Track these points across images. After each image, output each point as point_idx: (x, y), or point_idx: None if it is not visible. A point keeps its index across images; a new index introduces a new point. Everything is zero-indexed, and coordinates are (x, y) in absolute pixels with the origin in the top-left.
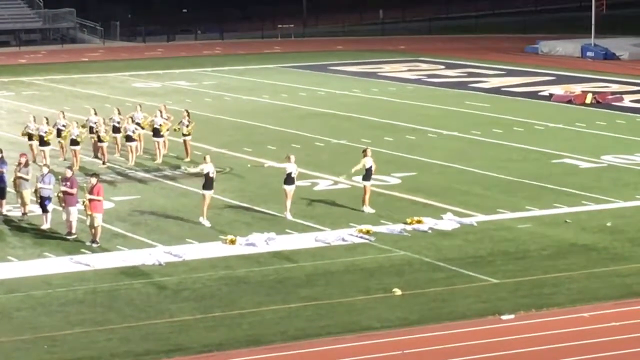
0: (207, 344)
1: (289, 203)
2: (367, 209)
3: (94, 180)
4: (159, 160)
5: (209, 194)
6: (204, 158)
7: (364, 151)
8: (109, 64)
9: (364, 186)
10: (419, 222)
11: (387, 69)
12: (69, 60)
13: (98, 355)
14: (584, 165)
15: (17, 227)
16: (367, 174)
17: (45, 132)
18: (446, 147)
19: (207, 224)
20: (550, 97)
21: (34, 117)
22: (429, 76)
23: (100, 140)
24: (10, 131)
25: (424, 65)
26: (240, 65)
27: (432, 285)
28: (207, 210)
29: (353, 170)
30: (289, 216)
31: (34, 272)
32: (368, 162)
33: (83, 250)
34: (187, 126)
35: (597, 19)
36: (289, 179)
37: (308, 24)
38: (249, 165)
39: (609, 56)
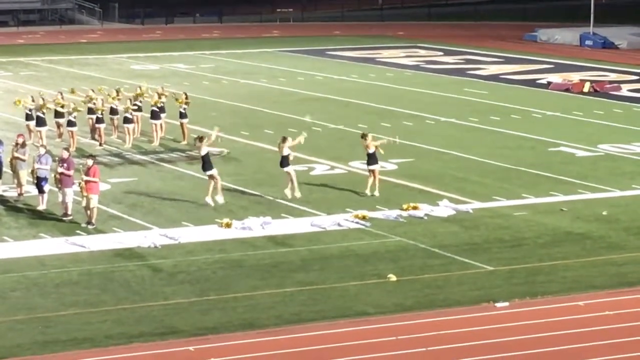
0: (202, 327)
1: (295, 185)
2: (372, 192)
3: (90, 161)
4: (156, 142)
5: (212, 173)
6: (200, 139)
7: (365, 136)
8: (107, 45)
9: (371, 170)
10: (414, 208)
11: (385, 54)
12: (67, 41)
13: (92, 337)
14: (580, 153)
15: (13, 207)
16: (372, 159)
17: (43, 113)
18: (443, 134)
19: (220, 200)
20: (548, 85)
21: (32, 97)
22: (427, 62)
23: (98, 121)
24: (8, 111)
25: (422, 52)
26: (238, 49)
27: (427, 271)
28: (212, 190)
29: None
30: (290, 195)
31: (29, 252)
32: (370, 146)
33: (78, 231)
34: (184, 108)
35: (596, 7)
36: (284, 161)
37: (307, 8)
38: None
39: (607, 45)
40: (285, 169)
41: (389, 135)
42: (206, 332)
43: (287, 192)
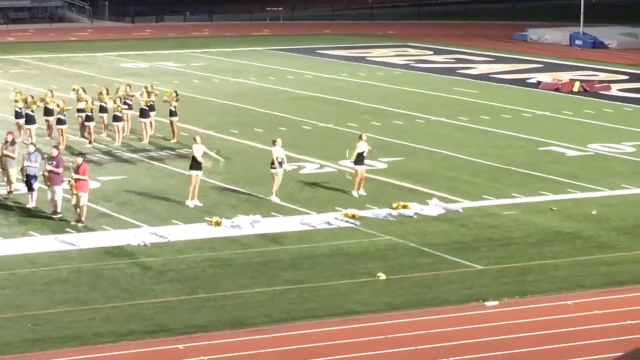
0: (191, 325)
1: (275, 186)
2: (357, 193)
3: (80, 159)
4: (146, 140)
5: (195, 174)
6: (194, 139)
7: (360, 136)
8: (97, 43)
9: (357, 171)
10: (404, 207)
11: (375, 53)
12: (57, 39)
13: (81, 335)
14: (570, 153)
15: (3, 205)
16: (360, 159)
17: (32, 110)
18: (433, 133)
19: (191, 204)
20: (538, 84)
21: (20, 93)
22: (417, 61)
23: (87, 119)
24: None
25: (413, 51)
26: (228, 48)
27: (417, 270)
28: (193, 192)
29: (352, 156)
30: (275, 199)
31: (19, 250)
32: (361, 146)
33: (68, 229)
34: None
35: (586, 7)
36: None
37: (297, 7)
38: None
39: (597, 45)
40: (275, 170)
41: (377, 134)
42: (195, 330)
43: (274, 198)
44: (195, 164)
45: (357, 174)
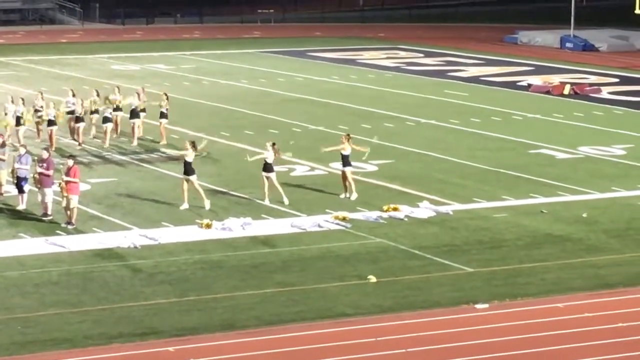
0: (181, 328)
1: (266, 190)
2: (346, 195)
3: (70, 162)
4: (135, 142)
5: (186, 178)
6: (186, 144)
7: (347, 137)
8: (87, 45)
9: (344, 172)
10: (395, 209)
11: (366, 56)
12: (47, 41)
13: (71, 337)
14: (560, 156)
15: None
16: (345, 160)
17: (22, 113)
18: (424, 136)
19: (183, 207)
20: (528, 87)
21: (12, 97)
22: (408, 64)
23: (77, 121)
24: None
25: (403, 53)
26: (219, 50)
27: (407, 273)
28: (199, 194)
29: (329, 149)
30: (267, 202)
31: (9, 252)
32: (348, 148)
33: (58, 231)
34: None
35: (577, 10)
36: (266, 166)
37: (287, 9)
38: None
39: (587, 47)
40: (270, 174)
41: (368, 137)
42: (186, 332)
43: (285, 198)
44: (187, 169)
45: (344, 176)
